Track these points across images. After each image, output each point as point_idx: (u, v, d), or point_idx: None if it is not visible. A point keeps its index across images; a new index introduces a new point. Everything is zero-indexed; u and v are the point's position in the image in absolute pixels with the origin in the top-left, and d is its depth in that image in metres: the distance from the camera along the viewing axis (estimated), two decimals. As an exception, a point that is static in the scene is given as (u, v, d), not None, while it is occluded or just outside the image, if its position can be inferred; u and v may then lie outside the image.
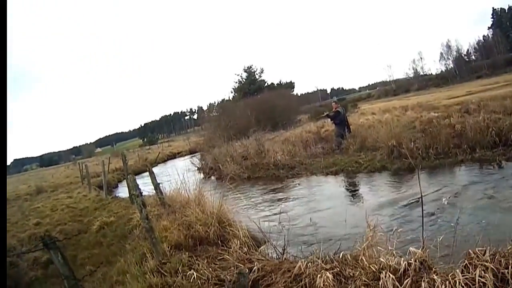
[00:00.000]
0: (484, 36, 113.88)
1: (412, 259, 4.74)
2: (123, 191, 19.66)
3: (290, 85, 74.66)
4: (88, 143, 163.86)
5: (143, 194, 8.23)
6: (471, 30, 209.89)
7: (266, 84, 66.97)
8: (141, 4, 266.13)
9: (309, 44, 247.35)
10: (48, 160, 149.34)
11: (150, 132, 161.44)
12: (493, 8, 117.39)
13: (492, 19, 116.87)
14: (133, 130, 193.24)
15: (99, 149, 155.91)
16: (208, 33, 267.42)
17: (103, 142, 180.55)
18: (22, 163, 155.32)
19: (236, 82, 68.08)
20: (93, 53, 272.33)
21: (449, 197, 8.97)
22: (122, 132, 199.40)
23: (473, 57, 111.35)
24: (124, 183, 18.35)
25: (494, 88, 40.50)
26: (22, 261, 9.10)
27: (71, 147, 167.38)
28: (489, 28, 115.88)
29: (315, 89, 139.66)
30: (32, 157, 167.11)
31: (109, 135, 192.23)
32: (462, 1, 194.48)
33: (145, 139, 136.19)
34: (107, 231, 10.88)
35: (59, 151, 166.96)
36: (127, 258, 7.22)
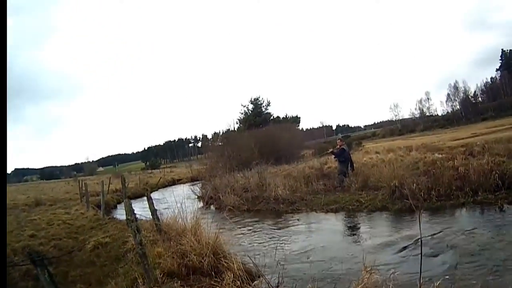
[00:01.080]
0: (491, 78, 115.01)
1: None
2: (121, 213, 19.60)
3: (296, 120, 75.79)
4: (91, 161, 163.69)
5: (141, 218, 8.17)
6: (479, 71, 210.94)
7: (271, 117, 67.73)
8: (154, 28, 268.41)
9: (317, 79, 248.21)
10: (49, 173, 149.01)
11: (153, 156, 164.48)
12: (502, 50, 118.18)
13: (500, 61, 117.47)
14: (136, 152, 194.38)
15: (101, 168, 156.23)
16: (219, 62, 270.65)
17: (105, 161, 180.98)
18: (23, 173, 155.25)
19: (242, 113, 68.77)
20: (103, 72, 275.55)
21: (450, 241, 8.85)
22: (125, 154, 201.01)
23: (479, 98, 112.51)
24: (123, 204, 18.34)
25: (499, 130, 40.90)
26: (14, 271, 9.01)
27: (73, 163, 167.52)
28: (497, 70, 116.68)
29: (321, 125, 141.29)
30: (33, 169, 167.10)
31: (112, 155, 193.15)
32: (471, 42, 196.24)
33: (148, 163, 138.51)
34: (102, 251, 10.80)
35: (61, 166, 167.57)
36: (118, 281, 7.16)
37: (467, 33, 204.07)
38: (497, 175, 12.61)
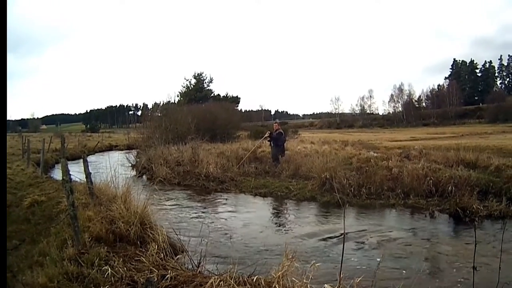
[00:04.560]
0: (439, 85, 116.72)
1: (325, 296, 4.74)
2: (58, 173, 19.37)
3: (236, 100, 77.63)
4: (36, 118, 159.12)
5: (75, 180, 8.13)
6: (427, 77, 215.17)
7: (212, 94, 69.54)
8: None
9: (262, 63, 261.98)
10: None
11: (94, 120, 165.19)
12: (454, 59, 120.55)
13: (451, 70, 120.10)
14: (78, 114, 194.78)
15: (44, 126, 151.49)
16: (168, 35, 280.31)
17: (49, 119, 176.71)
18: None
19: (184, 87, 69.70)
20: (61, 32, 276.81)
21: (375, 240, 9.03)
22: (68, 114, 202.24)
23: (423, 104, 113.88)
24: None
25: (440, 138, 41.13)
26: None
27: (20, 118, 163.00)
28: (446, 78, 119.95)
29: (260, 108, 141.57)
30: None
31: (56, 114, 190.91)
32: (425, 48, 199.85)
33: (88, 126, 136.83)
34: (37, 209, 10.73)
35: (9, 120, 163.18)
36: (50, 240, 7.10)
37: (424, 39, 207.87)
38: (431, 181, 12.77)
